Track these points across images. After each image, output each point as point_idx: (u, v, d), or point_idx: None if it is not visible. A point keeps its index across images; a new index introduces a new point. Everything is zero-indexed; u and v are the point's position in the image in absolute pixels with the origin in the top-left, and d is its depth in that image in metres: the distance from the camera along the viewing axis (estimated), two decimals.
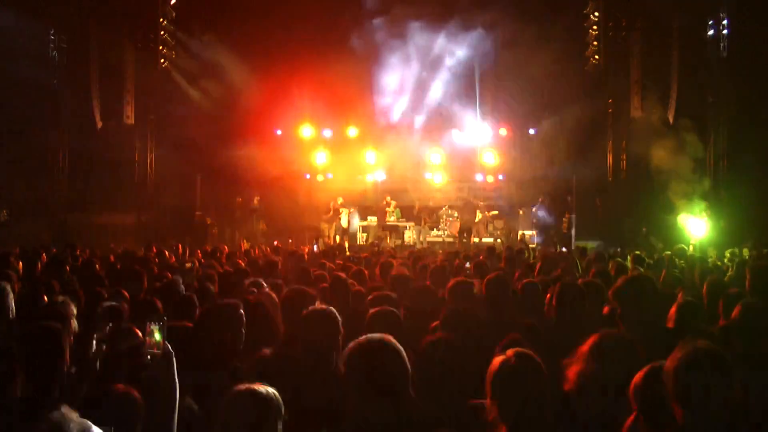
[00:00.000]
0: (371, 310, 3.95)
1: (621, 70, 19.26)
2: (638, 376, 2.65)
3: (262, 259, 9.02)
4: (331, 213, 19.77)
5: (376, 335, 2.60)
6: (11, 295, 4.44)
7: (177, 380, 2.68)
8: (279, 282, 6.09)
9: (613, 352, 2.80)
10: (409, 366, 2.52)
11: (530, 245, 15.94)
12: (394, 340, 2.57)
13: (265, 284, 5.57)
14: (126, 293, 5.26)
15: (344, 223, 19.98)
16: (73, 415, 2.02)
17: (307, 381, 2.93)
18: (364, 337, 2.59)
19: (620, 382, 2.70)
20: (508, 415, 2.39)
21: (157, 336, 2.63)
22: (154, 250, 10.90)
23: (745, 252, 10.85)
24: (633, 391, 2.61)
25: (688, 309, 4.01)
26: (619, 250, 13.08)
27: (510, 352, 2.51)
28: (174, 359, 2.69)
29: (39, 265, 8.20)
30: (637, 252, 10.22)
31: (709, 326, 4.14)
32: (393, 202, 20.29)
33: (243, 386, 2.41)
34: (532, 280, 5.86)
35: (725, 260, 10.24)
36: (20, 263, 7.71)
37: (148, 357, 2.63)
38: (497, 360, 2.49)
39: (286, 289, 4.86)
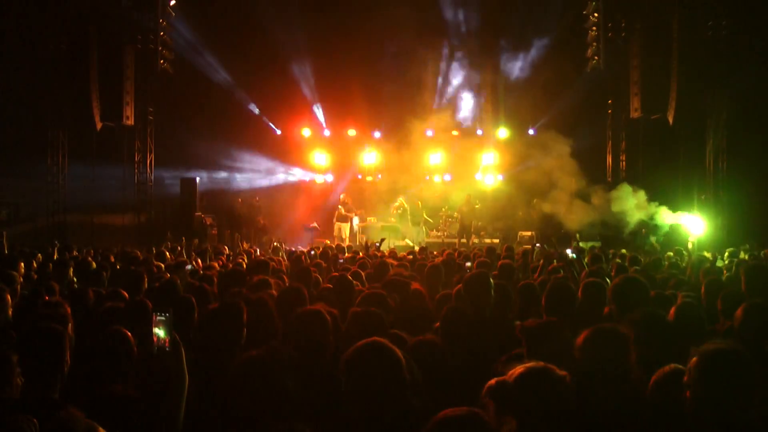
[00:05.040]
0: (351, 310, 3.95)
1: (621, 70, 19.28)
2: (656, 377, 2.67)
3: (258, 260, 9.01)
4: (344, 213, 19.74)
5: (371, 340, 2.60)
6: (7, 298, 4.46)
7: (186, 371, 2.68)
8: (280, 282, 6.11)
9: (599, 345, 2.81)
10: (405, 369, 2.52)
11: (527, 246, 15.93)
12: (389, 344, 2.57)
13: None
14: (125, 293, 5.29)
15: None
16: (79, 416, 2.04)
17: (297, 380, 2.94)
18: (361, 342, 2.59)
19: (607, 373, 2.72)
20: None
21: (164, 327, 2.62)
22: (154, 251, 10.92)
23: (743, 254, 10.86)
24: (651, 391, 2.64)
25: (687, 310, 4.02)
26: (624, 251, 13.07)
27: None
28: (182, 350, 2.68)
29: (35, 265, 8.23)
30: (623, 251, 10.26)
31: (708, 326, 4.16)
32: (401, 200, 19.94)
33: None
34: (530, 281, 5.89)
35: (725, 260, 10.26)
36: (21, 263, 7.71)
37: (156, 349, 2.62)
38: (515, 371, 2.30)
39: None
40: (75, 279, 7.12)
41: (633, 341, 3.31)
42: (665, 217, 16.36)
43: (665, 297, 5.02)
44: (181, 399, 2.66)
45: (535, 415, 2.17)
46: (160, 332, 2.63)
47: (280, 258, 9.91)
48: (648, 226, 16.83)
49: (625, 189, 17.26)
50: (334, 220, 19.63)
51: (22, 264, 7.45)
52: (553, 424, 2.17)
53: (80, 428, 2.00)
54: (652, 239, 16.29)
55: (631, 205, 16.69)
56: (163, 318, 2.63)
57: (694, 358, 2.44)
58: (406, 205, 19.63)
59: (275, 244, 13.30)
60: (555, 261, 8.08)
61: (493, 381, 2.27)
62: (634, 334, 3.35)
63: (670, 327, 3.46)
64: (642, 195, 16.79)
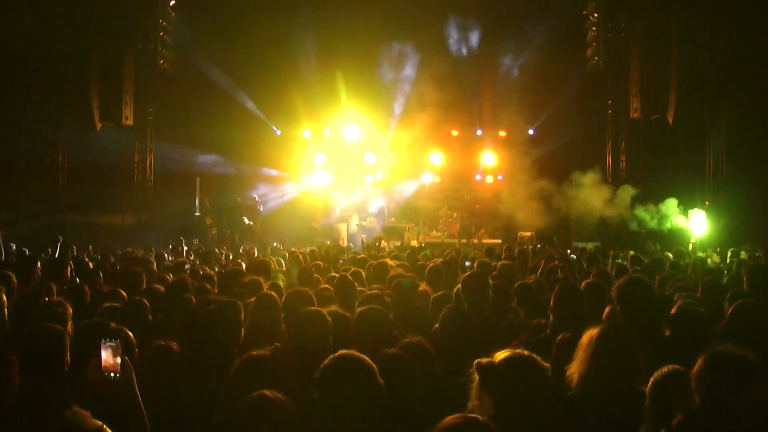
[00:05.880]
0: (358, 309, 3.96)
1: (620, 70, 19.27)
2: (655, 377, 2.68)
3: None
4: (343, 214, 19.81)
5: (339, 354, 2.59)
6: (3, 299, 4.46)
7: (140, 398, 2.60)
8: (278, 282, 6.11)
9: (609, 346, 2.83)
10: (377, 377, 2.51)
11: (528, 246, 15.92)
12: (362, 356, 2.57)
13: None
14: (123, 293, 5.28)
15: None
16: (87, 415, 2.02)
17: (295, 381, 2.94)
18: (330, 357, 2.58)
19: (617, 376, 2.73)
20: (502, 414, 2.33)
21: (113, 355, 2.53)
22: (153, 252, 10.92)
23: (743, 254, 10.85)
24: (650, 391, 2.65)
25: (687, 312, 4.02)
26: (632, 252, 13.04)
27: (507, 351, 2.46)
28: (134, 377, 2.58)
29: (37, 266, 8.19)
30: (631, 252, 10.24)
31: (708, 328, 4.15)
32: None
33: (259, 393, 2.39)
34: (527, 281, 5.89)
35: (727, 260, 10.24)
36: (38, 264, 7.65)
37: (106, 375, 2.51)
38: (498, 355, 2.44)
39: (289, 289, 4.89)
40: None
41: (668, 339, 3.42)
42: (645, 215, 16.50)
43: (665, 297, 5.02)
44: (143, 424, 2.60)
45: (511, 398, 2.30)
46: (109, 359, 2.53)
47: (280, 258, 9.90)
48: (648, 228, 16.84)
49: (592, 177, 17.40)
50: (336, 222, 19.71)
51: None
52: (525, 409, 2.30)
53: (89, 428, 1.99)
54: (649, 242, 16.26)
55: (596, 194, 16.82)
56: (112, 344, 2.53)
57: (700, 361, 2.45)
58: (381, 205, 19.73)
59: (274, 244, 13.30)
60: (556, 261, 8.08)
61: (482, 359, 2.40)
62: (670, 332, 3.40)
63: (707, 322, 3.49)
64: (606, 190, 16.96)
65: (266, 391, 2.36)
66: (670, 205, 16.72)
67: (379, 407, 2.45)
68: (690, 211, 16.05)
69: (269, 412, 2.30)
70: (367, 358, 2.56)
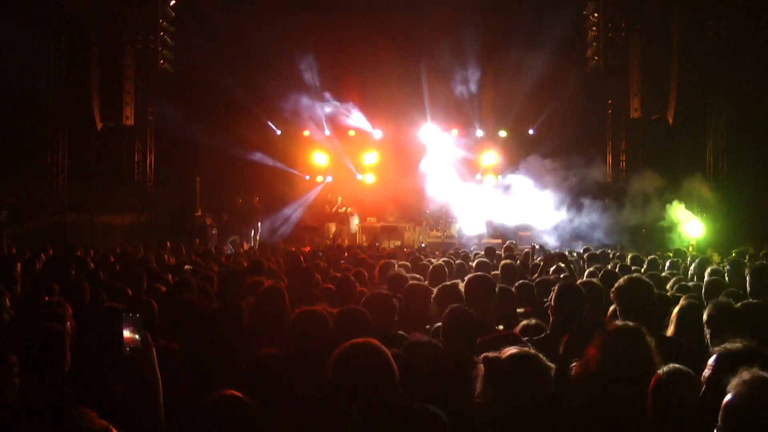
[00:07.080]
0: (335, 310, 3.92)
1: (620, 70, 19.26)
2: (657, 376, 2.68)
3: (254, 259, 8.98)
4: (336, 212, 19.86)
5: (361, 339, 2.59)
6: (6, 302, 4.46)
7: (158, 372, 2.66)
8: (281, 283, 6.10)
9: (620, 340, 2.84)
10: (394, 366, 2.51)
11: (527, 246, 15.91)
12: (378, 343, 2.57)
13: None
14: (129, 291, 5.28)
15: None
16: (92, 415, 2.02)
17: (297, 381, 2.93)
18: (348, 342, 2.58)
19: (626, 371, 2.75)
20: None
21: (133, 330, 2.60)
22: (156, 249, 10.91)
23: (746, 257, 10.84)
24: (653, 390, 2.65)
25: (689, 311, 4.02)
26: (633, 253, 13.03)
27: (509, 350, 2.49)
28: (153, 350, 2.66)
29: (37, 265, 8.21)
30: (633, 253, 10.26)
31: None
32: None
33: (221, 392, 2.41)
34: (526, 281, 5.89)
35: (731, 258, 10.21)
36: (18, 264, 7.67)
37: (127, 350, 2.59)
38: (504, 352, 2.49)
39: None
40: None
41: (711, 334, 3.50)
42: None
43: (666, 297, 5.01)
44: (158, 398, 2.65)
45: (513, 392, 2.38)
46: (130, 334, 2.60)
47: (279, 258, 9.90)
48: (648, 227, 16.82)
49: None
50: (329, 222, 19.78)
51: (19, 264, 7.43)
52: (526, 404, 2.37)
53: (96, 428, 1.99)
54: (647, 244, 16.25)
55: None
56: (132, 320, 2.61)
57: (711, 357, 2.45)
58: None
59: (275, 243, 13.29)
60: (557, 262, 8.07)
61: (490, 354, 2.47)
62: (712, 329, 3.42)
63: (741, 314, 3.51)
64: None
65: (230, 390, 2.39)
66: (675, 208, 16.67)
67: (390, 399, 2.45)
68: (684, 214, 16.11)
69: (231, 411, 2.31)
70: (385, 349, 2.56)
